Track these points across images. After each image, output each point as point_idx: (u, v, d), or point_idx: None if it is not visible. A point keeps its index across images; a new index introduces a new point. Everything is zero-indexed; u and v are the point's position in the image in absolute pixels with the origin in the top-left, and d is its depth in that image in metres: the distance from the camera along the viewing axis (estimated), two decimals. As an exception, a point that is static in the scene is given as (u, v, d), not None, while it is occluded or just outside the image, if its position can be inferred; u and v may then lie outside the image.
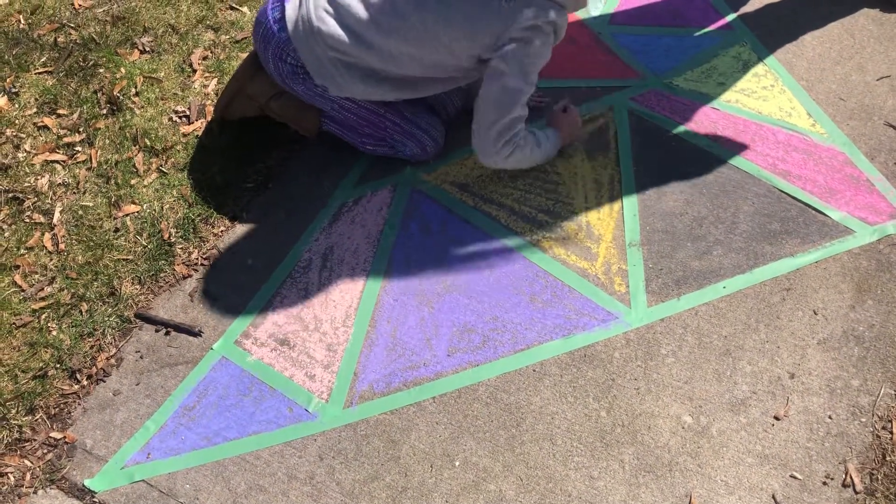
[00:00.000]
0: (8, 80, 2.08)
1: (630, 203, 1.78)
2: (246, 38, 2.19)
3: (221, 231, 1.83)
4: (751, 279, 1.63)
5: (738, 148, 1.84)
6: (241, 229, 1.84)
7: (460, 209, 1.81)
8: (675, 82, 1.99)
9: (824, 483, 1.38)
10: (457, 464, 1.46)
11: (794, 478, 1.39)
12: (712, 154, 1.84)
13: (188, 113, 2.01)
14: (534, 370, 1.55)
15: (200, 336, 1.67)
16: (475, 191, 1.84)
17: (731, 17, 2.13)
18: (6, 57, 2.14)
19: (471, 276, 1.70)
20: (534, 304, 1.64)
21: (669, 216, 1.75)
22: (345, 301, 1.69)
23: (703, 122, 1.90)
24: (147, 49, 2.15)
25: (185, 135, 1.97)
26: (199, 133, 1.97)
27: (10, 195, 1.88)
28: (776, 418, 1.45)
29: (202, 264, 1.78)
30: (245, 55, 2.16)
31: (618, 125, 1.93)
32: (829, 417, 1.45)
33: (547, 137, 1.79)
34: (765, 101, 1.93)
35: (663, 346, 1.56)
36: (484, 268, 1.71)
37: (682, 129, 1.90)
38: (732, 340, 1.56)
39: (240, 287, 1.74)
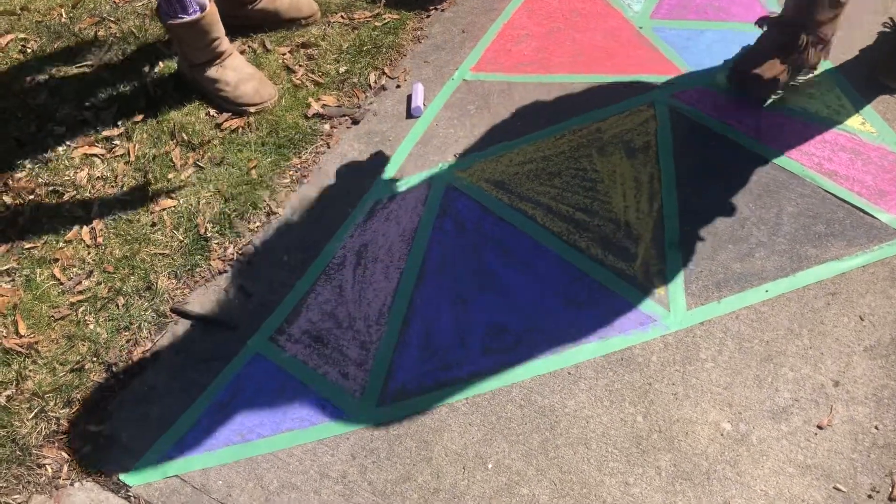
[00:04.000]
0: (49, 74, 2.11)
1: (670, 202, 1.74)
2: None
3: (257, 226, 1.83)
4: (794, 283, 1.59)
5: (783, 146, 1.79)
6: (276, 225, 1.84)
7: (496, 207, 1.79)
8: (718, 80, 1.94)
9: (869, 496, 1.34)
10: (489, 466, 1.44)
11: (838, 490, 1.35)
12: (755, 153, 1.80)
13: (220, 106, 2.01)
14: (569, 373, 1.53)
15: (235, 331, 1.68)
16: (511, 188, 1.82)
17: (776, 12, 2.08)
18: (48, 51, 2.16)
19: (506, 275, 1.68)
20: (570, 305, 1.62)
21: (710, 216, 1.71)
22: (378, 299, 1.68)
23: (747, 119, 1.85)
24: (185, 43, 2.16)
25: (221, 129, 1.97)
26: (236, 127, 1.97)
27: (51, 188, 1.90)
28: (819, 427, 1.41)
29: (238, 259, 1.79)
30: (281, 49, 2.16)
31: (658, 122, 1.88)
32: (876, 427, 1.40)
33: None
34: (811, 98, 1.87)
35: (702, 351, 1.53)
36: (519, 267, 1.69)
37: (724, 126, 1.85)
38: (774, 346, 1.52)
39: (275, 283, 1.74)
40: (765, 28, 1.86)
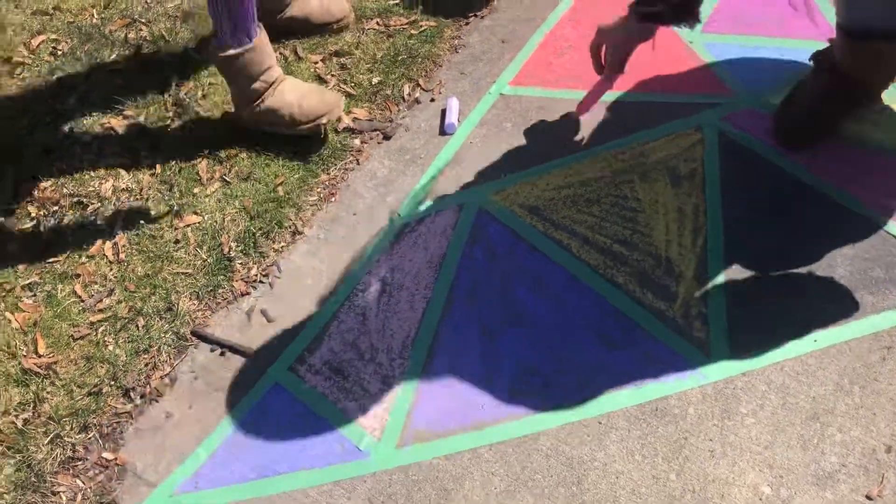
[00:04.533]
0: (79, 78, 2.07)
1: (715, 237, 1.64)
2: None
3: (282, 246, 1.78)
4: (847, 333, 1.48)
5: (841, 179, 1.67)
6: (301, 246, 1.78)
7: (529, 234, 1.70)
8: (772, 101, 1.81)
9: (920, 578, 1.24)
10: (511, 520, 1.38)
11: (885, 569, 1.25)
12: (810, 185, 1.68)
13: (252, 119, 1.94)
14: (599, 422, 1.45)
15: (255, 359, 1.63)
16: (546, 215, 1.73)
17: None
18: (78, 53, 2.12)
19: (537, 309, 1.60)
20: (603, 347, 1.53)
21: (759, 254, 1.60)
22: (402, 330, 1.62)
23: (802, 148, 1.73)
24: (216, 48, 2.10)
25: (250, 142, 1.92)
26: (264, 140, 1.91)
27: (76, 199, 1.86)
28: (868, 497, 1.31)
29: (261, 281, 1.73)
30: (313, 57, 2.09)
31: (706, 148, 1.77)
32: (930, 501, 1.30)
33: None
34: (875, 127, 1.74)
35: (743, 404, 1.43)
36: (551, 301, 1.60)
37: (779, 155, 1.73)
38: (822, 403, 1.42)
39: (297, 308, 1.69)
40: (814, 68, 1.72)
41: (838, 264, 1.56)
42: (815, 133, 1.72)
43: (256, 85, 1.81)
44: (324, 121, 1.87)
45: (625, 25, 1.64)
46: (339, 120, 1.93)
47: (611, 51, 1.70)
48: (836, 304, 1.52)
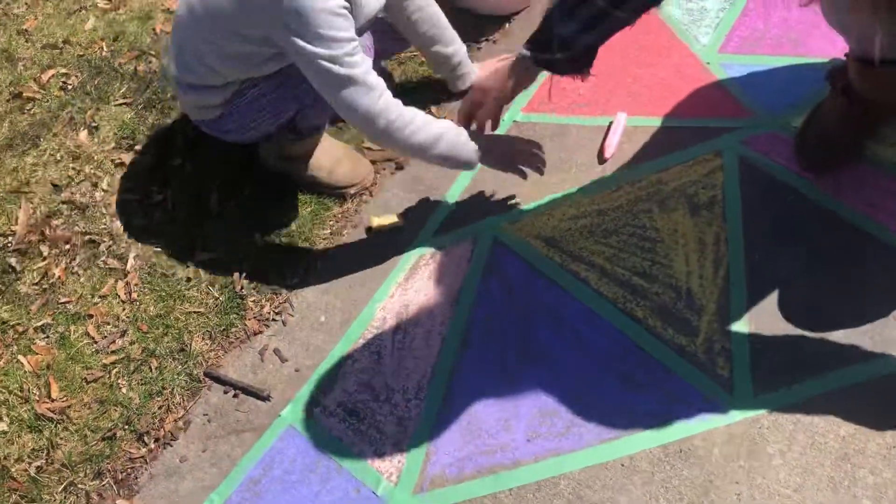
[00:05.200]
0: (88, 113, 2.05)
1: (737, 268, 1.59)
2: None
3: (295, 282, 1.75)
4: (877, 369, 1.43)
5: (867, 206, 1.62)
6: (314, 281, 1.75)
7: (546, 267, 1.67)
8: (794, 123, 1.77)
9: None
10: (533, 569, 1.34)
11: None
12: (836, 213, 1.63)
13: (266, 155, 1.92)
14: (622, 464, 1.41)
15: (269, 401, 1.60)
16: (563, 246, 1.69)
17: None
18: (88, 87, 2.11)
19: (555, 347, 1.56)
20: (624, 386, 1.49)
21: (783, 286, 1.55)
22: (418, 369, 1.59)
23: (825, 172, 1.68)
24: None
25: (261, 176, 1.89)
26: (276, 173, 1.89)
27: (87, 237, 1.85)
28: (903, 544, 1.27)
29: (274, 319, 1.71)
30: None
31: (726, 174, 1.73)
32: (968, 547, 1.25)
33: (459, 142, 1.60)
34: (899, 149, 1.69)
35: (770, 445, 1.39)
36: (570, 338, 1.57)
37: (801, 180, 1.68)
38: (852, 443, 1.37)
39: (311, 346, 1.66)
40: (831, 89, 1.66)
41: (867, 296, 1.51)
42: (837, 157, 1.67)
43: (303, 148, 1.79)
44: (352, 191, 1.84)
45: (515, 72, 1.55)
46: (369, 189, 1.88)
47: (494, 103, 1.62)
48: (865, 337, 1.47)
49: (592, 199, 1.76)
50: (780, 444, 1.39)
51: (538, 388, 1.52)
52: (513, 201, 1.79)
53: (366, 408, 1.56)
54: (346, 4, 1.45)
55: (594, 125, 1.86)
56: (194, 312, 1.72)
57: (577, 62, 1.49)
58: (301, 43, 1.43)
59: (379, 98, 1.49)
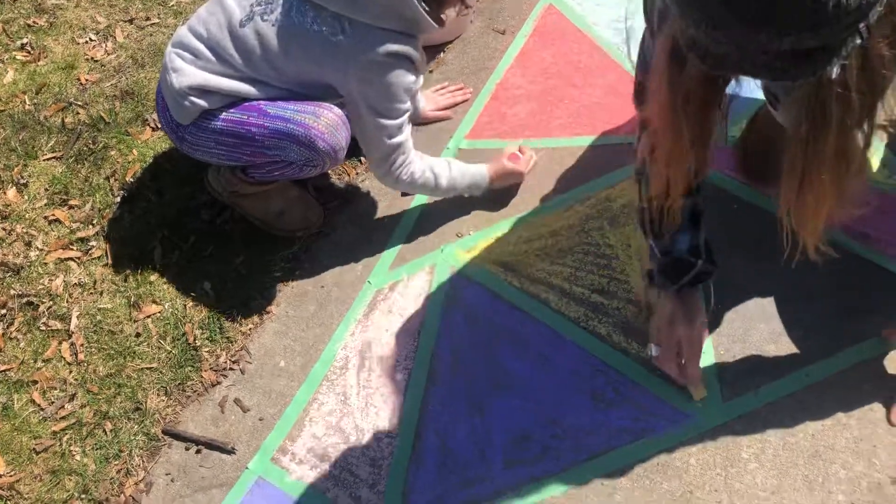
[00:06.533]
0: (16, 169, 1.97)
1: (692, 277, 1.61)
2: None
3: (250, 329, 1.70)
4: (837, 364, 1.47)
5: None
6: (270, 326, 1.70)
7: (506, 293, 1.66)
8: (732, 133, 1.82)
9: None
10: None
11: None
12: (779, 216, 1.67)
13: (208, 199, 1.86)
14: (602, 484, 1.40)
15: (234, 454, 1.54)
16: (520, 270, 1.69)
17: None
18: (13, 143, 2.02)
19: (524, 373, 1.55)
20: (596, 404, 1.49)
21: (738, 291, 1.59)
22: (387, 407, 1.55)
23: (768, 180, 1.73)
24: (160, 126, 2.02)
25: (206, 223, 1.84)
26: (221, 220, 1.84)
27: (24, 300, 1.76)
28: (881, 534, 1.29)
29: (231, 368, 1.65)
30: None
31: (671, 186, 1.76)
32: (942, 532, 1.29)
33: (462, 174, 1.75)
34: (832, 151, 1.75)
35: (744, 450, 1.40)
36: (537, 362, 1.56)
37: (744, 188, 1.73)
38: (821, 440, 1.40)
39: (273, 393, 1.61)
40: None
41: (816, 294, 1.56)
42: (778, 164, 1.72)
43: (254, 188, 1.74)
44: (299, 234, 1.81)
45: (687, 313, 1.40)
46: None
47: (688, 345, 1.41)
48: (821, 335, 1.51)
49: (544, 220, 1.77)
50: (754, 448, 1.40)
51: (510, 415, 1.50)
52: (465, 228, 1.79)
53: (337, 451, 1.51)
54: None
55: (538, 147, 1.88)
56: (147, 368, 1.65)
57: (711, 257, 1.41)
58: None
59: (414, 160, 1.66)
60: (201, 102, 1.52)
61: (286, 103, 1.55)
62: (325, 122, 1.55)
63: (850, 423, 1.41)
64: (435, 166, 1.70)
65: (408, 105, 1.58)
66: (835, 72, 0.83)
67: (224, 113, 1.54)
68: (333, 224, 1.84)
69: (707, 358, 1.51)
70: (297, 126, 1.53)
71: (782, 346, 1.51)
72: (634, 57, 1.97)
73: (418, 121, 1.95)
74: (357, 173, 1.94)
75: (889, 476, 1.34)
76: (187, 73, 1.53)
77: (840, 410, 1.42)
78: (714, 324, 1.55)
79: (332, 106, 1.59)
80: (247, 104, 1.54)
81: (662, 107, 1.02)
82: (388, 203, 1.86)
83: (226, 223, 1.84)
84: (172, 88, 1.53)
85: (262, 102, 1.54)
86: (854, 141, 0.92)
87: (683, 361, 1.41)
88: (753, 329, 1.54)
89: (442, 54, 2.16)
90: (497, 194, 1.79)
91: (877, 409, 1.41)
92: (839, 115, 0.87)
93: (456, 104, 2.01)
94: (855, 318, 1.52)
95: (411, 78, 1.54)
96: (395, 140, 1.60)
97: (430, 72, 2.12)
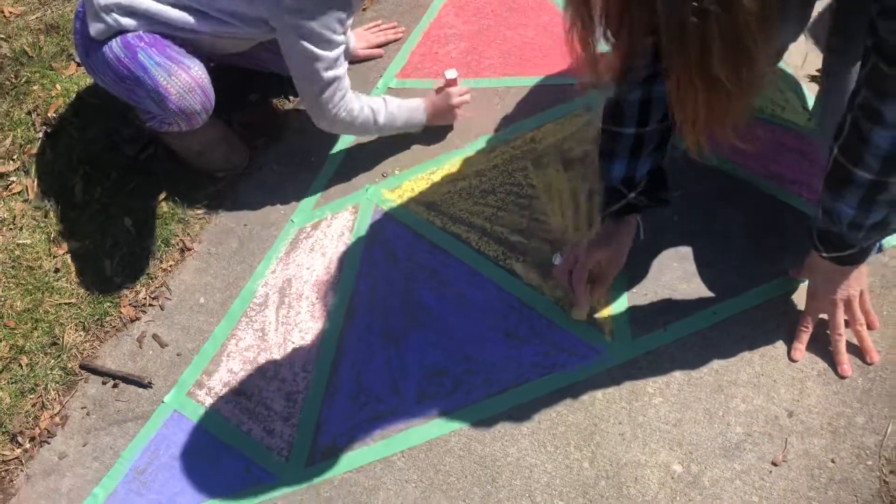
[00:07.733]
0: (-66, 103, 1.92)
1: (611, 218, 1.63)
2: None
3: (170, 266, 1.69)
4: (744, 303, 1.49)
5: (727, 151, 1.68)
6: (191, 263, 1.70)
7: (428, 232, 1.67)
8: (657, 76, 1.82)
9: (827, 539, 1.27)
10: (428, 527, 1.34)
11: (795, 533, 1.27)
12: (697, 160, 1.68)
13: (133, 134, 1.84)
14: (510, 416, 1.43)
15: (150, 388, 1.55)
16: (444, 209, 1.69)
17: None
18: (-68, 76, 1.97)
19: (440, 309, 1.56)
20: (510, 341, 1.51)
21: (653, 232, 1.60)
22: (305, 342, 1.56)
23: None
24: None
25: (129, 158, 1.81)
26: (145, 156, 1.82)
27: (-58, 235, 1.74)
28: (774, 464, 1.33)
29: (150, 305, 1.65)
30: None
31: (595, 128, 1.76)
32: (832, 461, 1.33)
33: (399, 108, 1.74)
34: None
35: (650, 385, 1.43)
36: (454, 300, 1.57)
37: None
38: (725, 375, 1.43)
39: (192, 329, 1.61)
40: None
41: (732, 234, 1.58)
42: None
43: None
44: (220, 175, 1.79)
45: (606, 239, 1.45)
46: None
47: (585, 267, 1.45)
48: (733, 274, 1.53)
49: (469, 161, 1.76)
50: (659, 383, 1.43)
51: (425, 351, 1.52)
52: (391, 168, 1.78)
53: (253, 386, 1.52)
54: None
55: (467, 88, 1.87)
56: (65, 304, 1.64)
57: (651, 192, 1.42)
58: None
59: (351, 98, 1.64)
60: (123, 21, 1.49)
61: (156, 52, 1.51)
62: (177, 82, 1.51)
63: (753, 358, 1.44)
64: (372, 103, 1.69)
65: (342, 38, 1.56)
66: None
67: (113, 42, 1.50)
68: (259, 163, 1.83)
69: (619, 295, 1.53)
70: (150, 80, 1.50)
71: (694, 285, 1.53)
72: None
73: (348, 59, 1.92)
74: (286, 112, 1.91)
75: (786, 409, 1.38)
76: None
77: (745, 347, 1.45)
78: (629, 263, 1.56)
79: (194, 65, 1.54)
80: (128, 40, 1.50)
81: None
82: (315, 142, 1.84)
83: (150, 159, 1.82)
84: (98, 2, 1.49)
85: (142, 43, 1.50)
86: (724, 66, 0.94)
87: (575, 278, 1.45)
88: (667, 268, 1.56)
89: (377, -8, 2.13)
90: (425, 135, 1.79)
91: (780, 345, 1.44)
92: (699, 34, 0.89)
93: (388, 42, 1.99)
94: (768, 259, 1.54)
95: (344, 7, 1.51)
96: (332, 73, 1.57)
97: (364, 10, 2.09)
